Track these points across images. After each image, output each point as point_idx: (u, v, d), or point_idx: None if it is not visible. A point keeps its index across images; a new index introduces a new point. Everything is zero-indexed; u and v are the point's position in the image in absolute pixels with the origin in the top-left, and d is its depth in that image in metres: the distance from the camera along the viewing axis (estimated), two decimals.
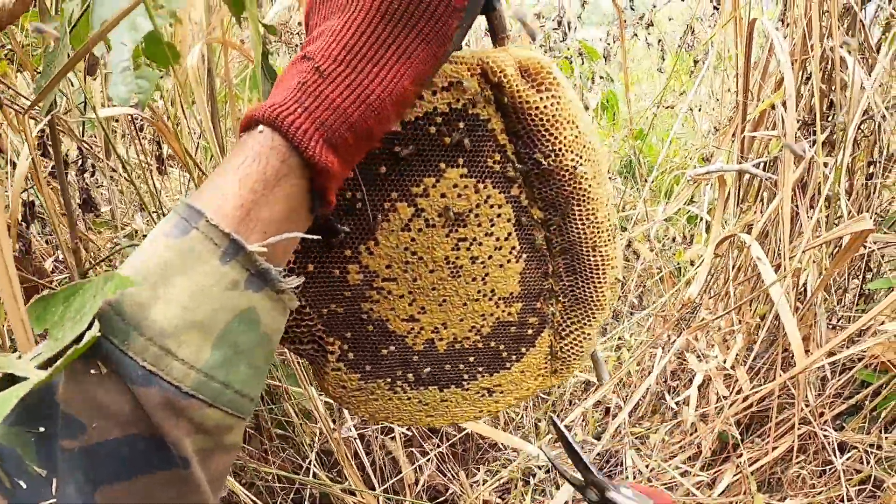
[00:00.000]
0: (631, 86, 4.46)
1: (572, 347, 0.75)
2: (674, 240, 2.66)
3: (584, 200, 0.67)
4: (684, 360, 1.86)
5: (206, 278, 0.46)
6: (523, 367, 0.75)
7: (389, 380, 0.72)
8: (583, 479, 0.88)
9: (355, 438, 1.83)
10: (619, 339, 2.25)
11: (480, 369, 0.74)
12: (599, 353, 0.80)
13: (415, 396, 0.73)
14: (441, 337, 0.71)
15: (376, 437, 1.93)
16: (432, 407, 0.75)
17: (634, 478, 1.81)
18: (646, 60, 4.66)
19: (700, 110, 3.09)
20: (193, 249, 0.46)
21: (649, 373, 2.06)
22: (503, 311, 0.71)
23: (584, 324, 0.73)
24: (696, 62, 2.82)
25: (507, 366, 0.74)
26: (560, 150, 0.64)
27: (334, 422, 1.88)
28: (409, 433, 1.96)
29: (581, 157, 0.65)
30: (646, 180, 2.69)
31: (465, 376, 0.74)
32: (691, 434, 1.73)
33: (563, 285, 0.72)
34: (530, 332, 0.73)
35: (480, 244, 0.67)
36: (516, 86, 0.61)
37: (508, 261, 0.69)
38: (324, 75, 0.50)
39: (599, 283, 0.71)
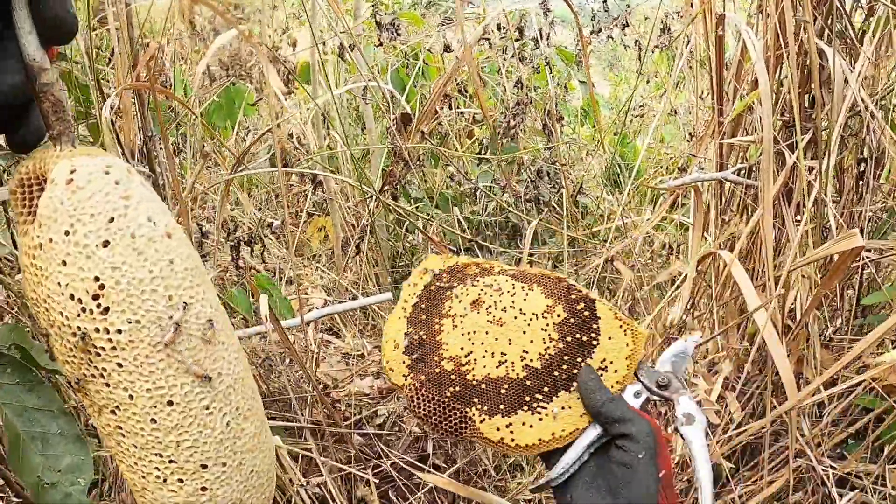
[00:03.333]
0: (618, 87, 4.26)
1: None
2: (665, 247, 2.44)
3: None
4: None
5: None
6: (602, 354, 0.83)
7: (525, 407, 0.80)
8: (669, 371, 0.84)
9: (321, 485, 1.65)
10: None
11: (580, 360, 0.82)
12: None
13: (551, 408, 0.80)
14: (531, 358, 0.81)
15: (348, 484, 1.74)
16: (575, 408, 0.80)
17: None
18: (627, 61, 4.45)
19: (676, 114, 2.88)
20: None
21: None
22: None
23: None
24: (673, 61, 2.62)
25: (590, 354, 0.82)
26: None
27: (304, 475, 1.70)
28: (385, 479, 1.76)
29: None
30: (636, 188, 2.48)
31: (575, 373, 0.81)
32: (681, 466, 1.53)
33: None
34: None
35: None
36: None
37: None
38: None
39: None
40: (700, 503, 0.75)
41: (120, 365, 0.52)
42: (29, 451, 0.89)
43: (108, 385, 0.53)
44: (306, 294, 2.51)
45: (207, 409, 0.56)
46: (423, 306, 0.89)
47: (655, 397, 0.80)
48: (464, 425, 0.81)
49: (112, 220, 0.53)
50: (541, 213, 2.24)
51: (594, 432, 0.78)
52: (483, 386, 0.82)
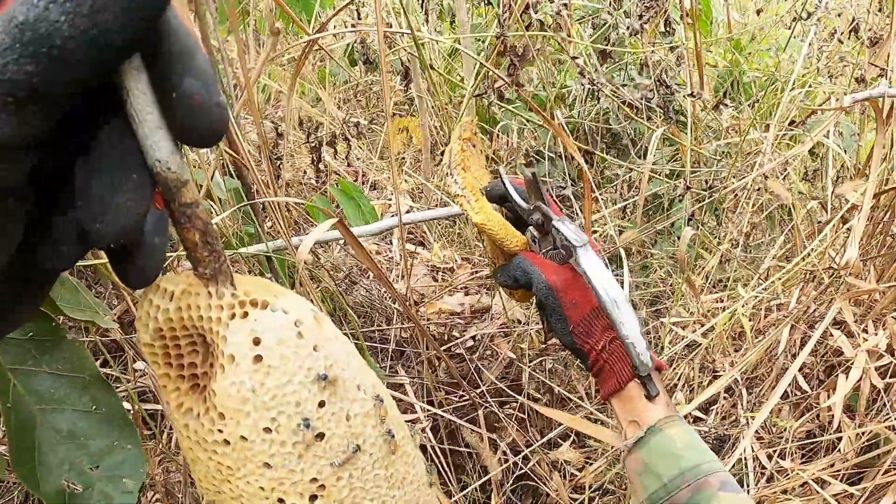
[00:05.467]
0: None
1: None
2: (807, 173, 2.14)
3: None
4: (815, 325, 1.42)
5: None
6: None
7: None
8: (530, 206, 0.89)
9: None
10: (730, 288, 1.81)
11: None
12: None
13: None
14: None
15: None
16: None
17: (754, 474, 1.40)
18: None
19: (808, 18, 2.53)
20: None
21: (765, 334, 1.62)
22: None
23: None
24: None
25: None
26: None
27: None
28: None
29: None
30: (757, 100, 2.18)
31: None
32: (827, 427, 1.30)
33: None
34: None
35: None
36: None
37: None
38: None
39: None
40: (620, 333, 0.79)
41: None
42: (47, 440, 0.58)
43: None
44: (390, 199, 2.31)
45: None
46: None
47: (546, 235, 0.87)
48: None
49: (322, 404, 0.41)
50: (668, 122, 1.97)
51: None
52: None
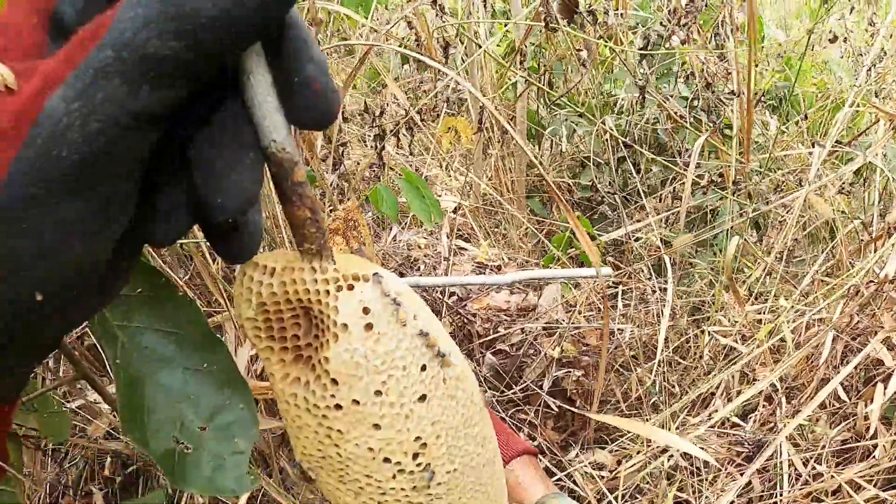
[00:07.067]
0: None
1: None
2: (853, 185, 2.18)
3: None
4: (858, 338, 1.47)
5: None
6: None
7: None
8: None
9: None
10: (771, 301, 1.86)
11: None
12: None
13: None
14: None
15: None
16: None
17: (788, 478, 1.46)
18: None
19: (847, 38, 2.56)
20: None
21: (799, 344, 1.67)
22: None
23: None
24: None
25: None
26: None
27: None
28: None
29: None
30: (805, 116, 2.23)
31: None
32: (864, 435, 1.35)
33: None
34: None
35: None
36: None
37: None
38: None
39: None
40: None
41: None
42: (157, 399, 0.57)
43: None
44: (439, 196, 2.38)
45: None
46: None
47: None
48: None
49: (424, 367, 0.43)
50: (711, 128, 2.02)
51: None
52: None
